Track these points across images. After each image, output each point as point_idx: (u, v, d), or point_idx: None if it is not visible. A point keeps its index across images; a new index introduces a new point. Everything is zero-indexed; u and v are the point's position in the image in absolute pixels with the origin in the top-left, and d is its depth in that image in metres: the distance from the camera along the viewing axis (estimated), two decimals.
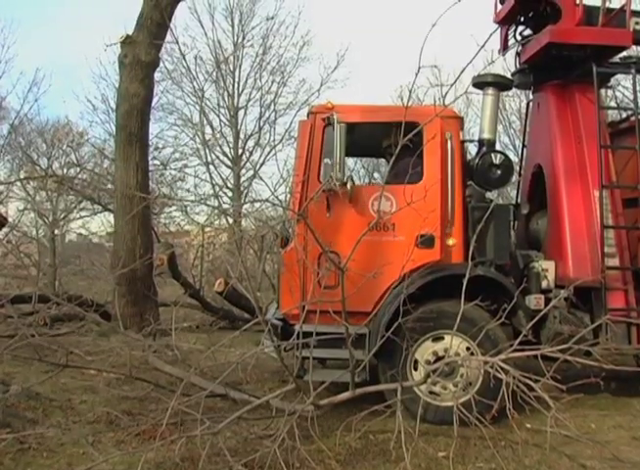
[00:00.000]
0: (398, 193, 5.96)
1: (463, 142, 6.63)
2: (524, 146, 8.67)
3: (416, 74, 4.80)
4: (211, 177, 21.22)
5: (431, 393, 5.95)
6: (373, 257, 5.91)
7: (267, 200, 10.30)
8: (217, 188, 21.57)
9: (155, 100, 13.25)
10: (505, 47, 7.83)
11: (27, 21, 39.60)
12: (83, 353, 6.58)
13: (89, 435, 5.09)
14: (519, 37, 7.72)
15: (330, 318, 5.14)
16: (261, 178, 21.56)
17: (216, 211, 19.12)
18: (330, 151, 6.20)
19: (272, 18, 21.29)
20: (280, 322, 6.33)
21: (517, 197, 8.46)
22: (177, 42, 17.00)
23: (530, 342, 5.17)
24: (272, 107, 21.90)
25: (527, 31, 7.66)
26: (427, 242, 6.16)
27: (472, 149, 7.01)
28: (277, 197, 14.20)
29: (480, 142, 6.78)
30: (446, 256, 6.24)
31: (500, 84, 6.88)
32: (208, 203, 20.34)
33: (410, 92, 5.19)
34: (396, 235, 6.19)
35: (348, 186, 6.13)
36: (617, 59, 7.33)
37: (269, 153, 21.41)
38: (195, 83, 21.01)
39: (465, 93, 5.93)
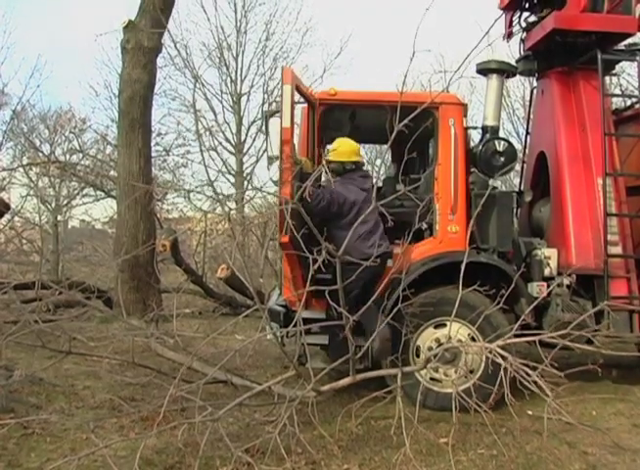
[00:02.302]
0: None
1: (466, 129, 6.61)
2: (527, 133, 8.64)
3: (411, 59, 4.74)
4: (204, 165, 21.12)
5: (432, 379, 5.97)
6: None
7: (261, 189, 10.17)
8: (219, 174, 21.53)
9: (157, 86, 13.18)
10: (510, 33, 7.78)
11: (28, 6, 39.40)
12: (86, 340, 6.61)
13: (92, 420, 5.10)
14: (523, 23, 7.66)
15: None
16: (256, 174, 21.43)
17: (219, 197, 19.12)
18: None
19: (263, 3, 21.15)
20: (282, 308, 6.34)
21: (520, 184, 8.44)
22: (170, 32, 16.85)
23: (533, 329, 5.17)
24: (275, 93, 21.79)
25: (532, 18, 7.61)
26: None
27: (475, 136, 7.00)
28: (264, 189, 14.10)
29: (484, 129, 6.76)
30: (446, 243, 6.23)
31: (504, 71, 6.84)
32: (206, 191, 20.27)
33: (405, 76, 5.10)
34: None
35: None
36: (622, 46, 7.28)
37: None
38: (194, 70, 20.86)
39: (462, 77, 5.88)
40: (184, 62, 20.55)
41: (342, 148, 5.98)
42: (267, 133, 5.86)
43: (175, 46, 19.90)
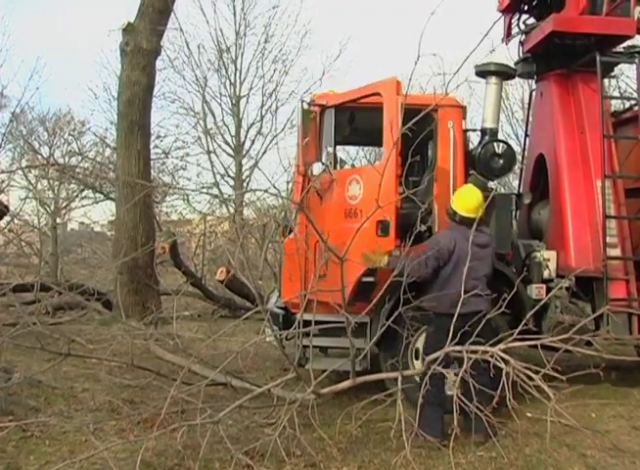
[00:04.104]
0: (365, 175, 5.90)
1: (465, 131, 6.61)
2: (526, 135, 8.65)
3: (415, 62, 4.75)
4: (212, 166, 21.13)
5: None
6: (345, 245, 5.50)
7: (267, 190, 10.23)
8: (219, 177, 21.52)
9: (156, 88, 13.19)
10: (509, 36, 7.79)
11: (27, 8, 39.41)
12: (85, 342, 6.61)
13: (91, 423, 5.10)
14: (522, 26, 7.67)
15: (331, 307, 5.13)
16: (260, 169, 21.31)
17: (218, 199, 19.10)
18: (327, 138, 6.16)
19: (277, 7, 21.13)
20: (281, 311, 6.33)
21: (519, 186, 8.44)
22: (181, 30, 16.89)
23: (532, 331, 5.16)
24: (274, 95, 21.80)
25: (531, 20, 7.62)
26: (383, 229, 5.74)
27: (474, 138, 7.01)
28: (276, 187, 14.12)
29: (483, 131, 6.75)
30: None
31: (503, 73, 6.85)
32: (210, 192, 20.25)
33: (410, 80, 5.10)
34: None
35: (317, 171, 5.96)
36: (620, 48, 7.29)
37: (271, 142, 21.35)
38: (197, 72, 20.85)
39: (465, 81, 5.89)
40: (192, 64, 20.49)
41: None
42: (305, 134, 5.86)
43: (188, 46, 19.87)
